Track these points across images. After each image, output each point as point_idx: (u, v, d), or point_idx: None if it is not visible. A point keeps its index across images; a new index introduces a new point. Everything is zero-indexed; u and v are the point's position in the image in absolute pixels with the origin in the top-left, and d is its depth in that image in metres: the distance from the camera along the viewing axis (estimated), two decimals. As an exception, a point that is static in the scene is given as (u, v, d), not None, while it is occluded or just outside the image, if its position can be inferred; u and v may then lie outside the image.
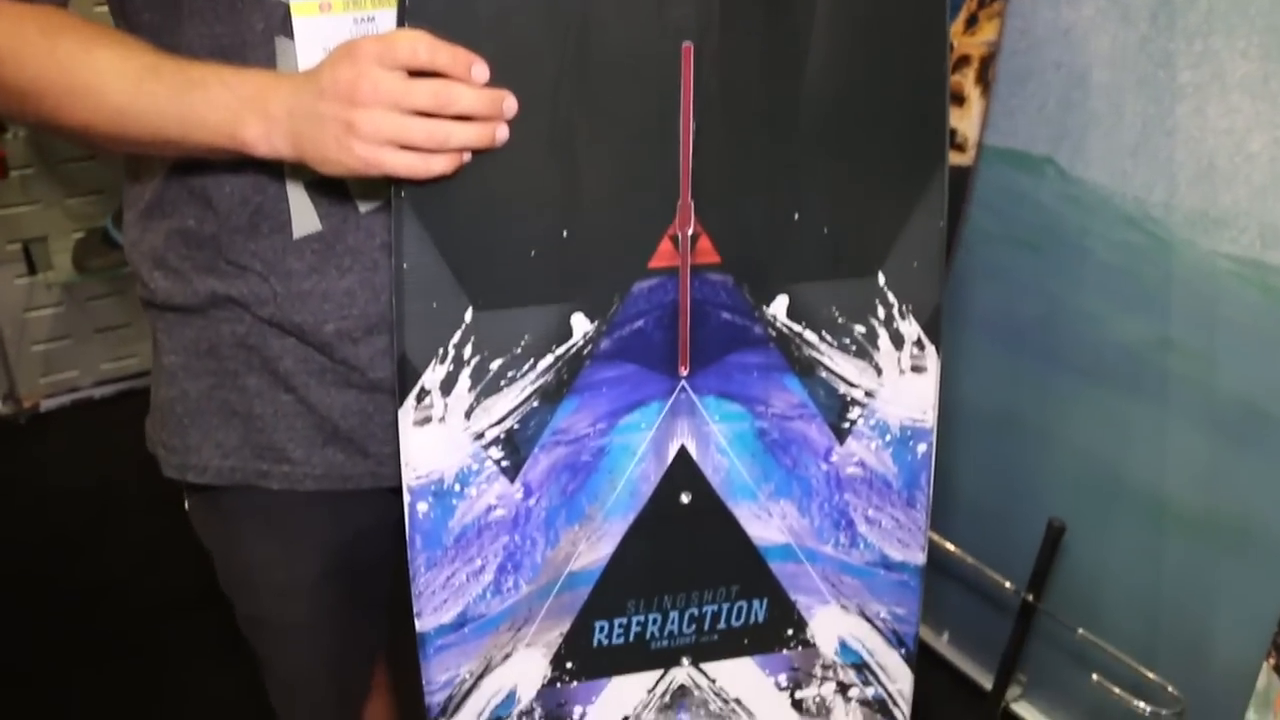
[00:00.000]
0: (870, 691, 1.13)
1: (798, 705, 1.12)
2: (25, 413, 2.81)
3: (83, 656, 2.12)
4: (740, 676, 1.09)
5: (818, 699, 1.12)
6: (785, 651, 1.09)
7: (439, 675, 1.01)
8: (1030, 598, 1.44)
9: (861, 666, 1.12)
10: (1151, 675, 1.35)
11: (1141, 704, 1.32)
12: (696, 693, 1.09)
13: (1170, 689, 1.34)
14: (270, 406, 1.04)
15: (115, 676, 2.07)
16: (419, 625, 0.99)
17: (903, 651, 1.13)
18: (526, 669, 1.03)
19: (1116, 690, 1.33)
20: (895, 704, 1.15)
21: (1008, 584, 1.48)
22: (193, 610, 2.20)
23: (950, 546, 1.57)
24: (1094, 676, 1.36)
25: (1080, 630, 1.43)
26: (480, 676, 1.02)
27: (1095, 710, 1.79)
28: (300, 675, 1.22)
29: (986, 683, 1.90)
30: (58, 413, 2.85)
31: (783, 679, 1.11)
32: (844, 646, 1.11)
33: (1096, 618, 1.50)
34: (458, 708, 1.02)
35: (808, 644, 1.10)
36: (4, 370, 2.76)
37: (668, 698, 1.08)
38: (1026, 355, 1.73)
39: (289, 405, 1.04)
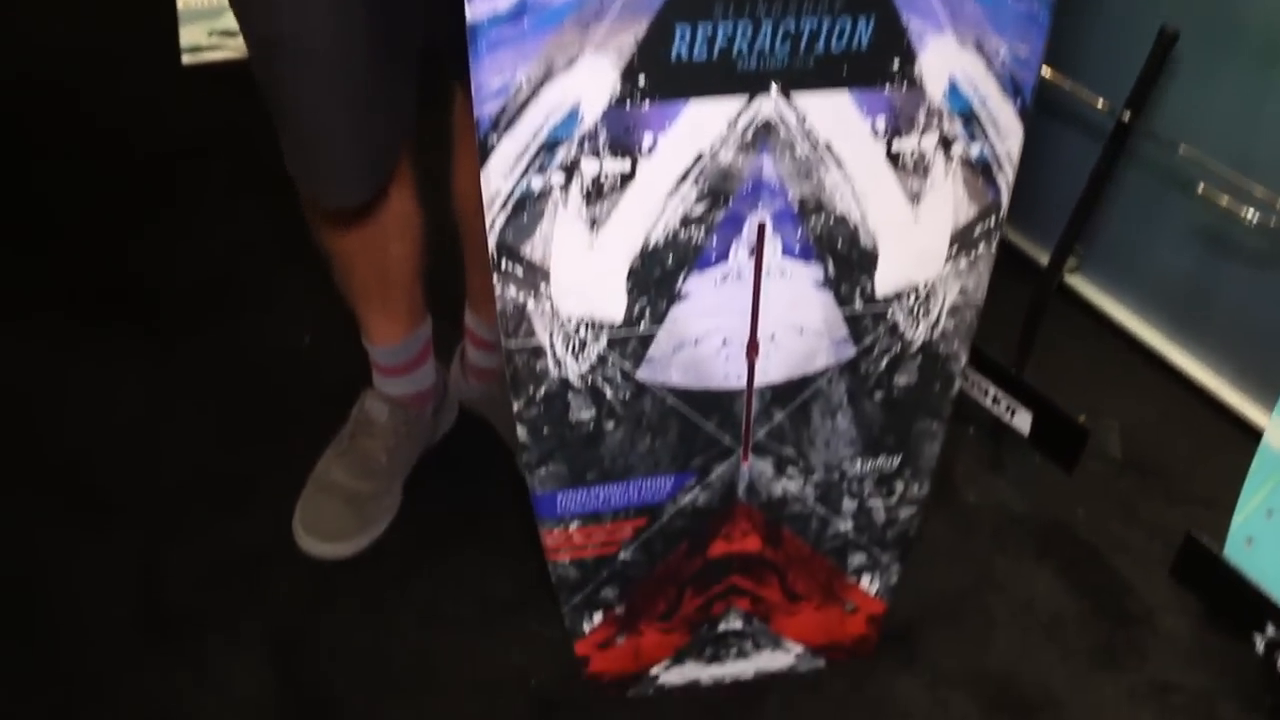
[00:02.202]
0: (975, 149, 1.00)
1: (894, 159, 0.98)
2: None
3: (85, 203, 2.00)
4: (834, 115, 0.95)
5: (916, 154, 0.99)
6: (887, 89, 0.95)
7: (491, 79, 0.86)
8: (1126, 117, 1.29)
9: (970, 118, 0.98)
10: (1256, 186, 1.22)
11: (1250, 210, 1.19)
12: (783, 132, 0.95)
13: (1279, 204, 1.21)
14: None
15: (121, 219, 1.96)
16: (470, 13, 0.83)
17: (1018, 103, 0.98)
18: (593, 80, 0.89)
19: (1225, 200, 1.20)
20: (1000, 167, 1.01)
21: (1100, 102, 1.33)
22: (195, 157, 2.08)
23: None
24: (1200, 187, 1.23)
25: (1183, 146, 1.28)
26: (539, 85, 0.88)
27: (1156, 285, 1.69)
28: (320, 125, 1.07)
29: (1040, 257, 1.80)
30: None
31: (880, 123, 0.96)
32: (954, 90, 0.96)
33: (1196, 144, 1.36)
34: (511, 122, 0.89)
35: (913, 82, 0.95)
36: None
37: (750, 135, 0.95)
38: None
39: None
